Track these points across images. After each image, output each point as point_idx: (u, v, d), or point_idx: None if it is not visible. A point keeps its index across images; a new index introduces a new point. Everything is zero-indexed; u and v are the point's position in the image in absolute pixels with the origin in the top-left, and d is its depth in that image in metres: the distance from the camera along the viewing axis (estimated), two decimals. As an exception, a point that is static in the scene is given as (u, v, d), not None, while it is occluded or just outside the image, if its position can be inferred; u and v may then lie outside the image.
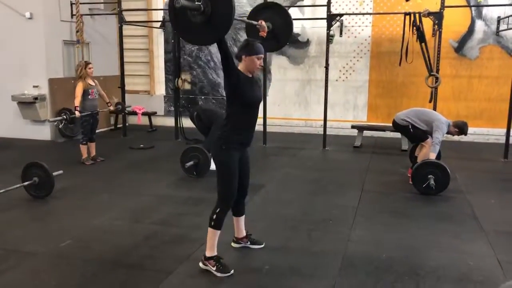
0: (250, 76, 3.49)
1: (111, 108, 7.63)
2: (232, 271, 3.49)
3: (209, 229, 3.50)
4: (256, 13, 4.06)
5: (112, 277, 3.47)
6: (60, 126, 6.40)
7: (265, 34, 3.90)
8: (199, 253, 3.76)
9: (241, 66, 3.46)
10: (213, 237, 3.51)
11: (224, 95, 10.97)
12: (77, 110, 6.78)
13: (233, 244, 3.96)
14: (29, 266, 3.68)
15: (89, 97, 6.90)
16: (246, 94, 3.41)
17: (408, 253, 3.89)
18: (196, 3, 2.93)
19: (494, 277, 3.47)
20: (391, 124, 6.42)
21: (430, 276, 3.49)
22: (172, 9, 3.01)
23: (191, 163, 6.12)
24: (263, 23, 3.86)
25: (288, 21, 3.98)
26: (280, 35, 4.02)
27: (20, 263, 3.71)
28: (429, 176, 5.46)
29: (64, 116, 6.55)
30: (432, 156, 5.63)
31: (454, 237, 4.28)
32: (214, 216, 3.47)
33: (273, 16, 3.78)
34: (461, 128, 5.88)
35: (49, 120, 6.23)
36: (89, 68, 6.91)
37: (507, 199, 5.48)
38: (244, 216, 3.88)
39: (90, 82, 6.96)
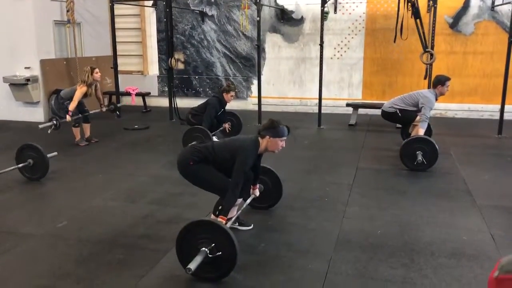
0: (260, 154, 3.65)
1: (103, 110, 7.48)
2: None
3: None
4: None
5: (109, 257, 3.49)
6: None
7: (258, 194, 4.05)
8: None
9: (262, 143, 3.56)
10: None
11: (219, 75, 10.64)
12: (68, 115, 6.69)
13: None
14: (26, 247, 3.69)
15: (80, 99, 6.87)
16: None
17: (403, 229, 3.94)
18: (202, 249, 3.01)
19: (488, 251, 3.52)
20: (386, 102, 6.41)
21: (425, 251, 3.53)
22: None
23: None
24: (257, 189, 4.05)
25: (278, 186, 4.38)
26: (270, 197, 4.35)
27: (17, 244, 3.72)
28: (417, 152, 5.50)
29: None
30: (421, 132, 5.67)
31: (448, 212, 4.32)
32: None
33: (264, 179, 4.26)
34: (439, 82, 5.82)
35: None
36: (96, 73, 6.84)
37: (500, 174, 5.52)
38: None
39: (92, 89, 6.89)
